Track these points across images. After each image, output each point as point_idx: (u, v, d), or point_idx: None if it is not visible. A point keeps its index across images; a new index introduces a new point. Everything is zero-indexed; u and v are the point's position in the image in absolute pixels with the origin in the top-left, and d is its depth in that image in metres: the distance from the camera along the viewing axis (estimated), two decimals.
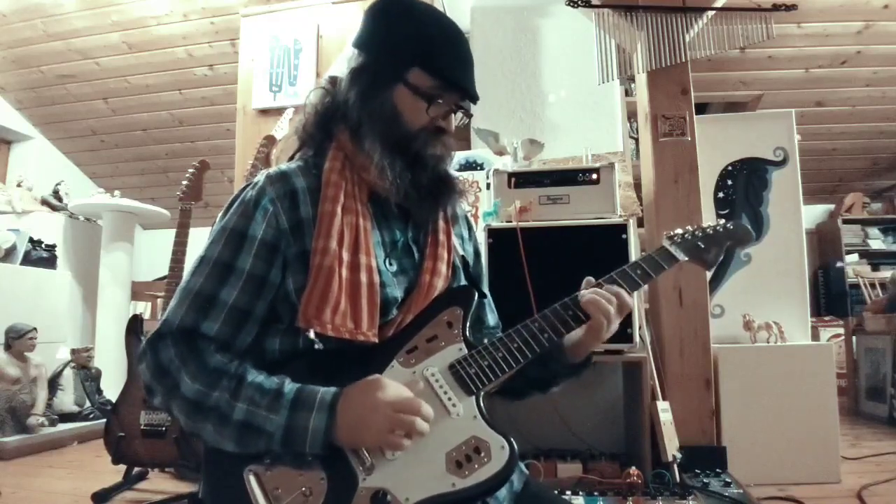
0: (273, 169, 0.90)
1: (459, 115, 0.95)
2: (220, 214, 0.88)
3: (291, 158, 0.96)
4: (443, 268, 0.93)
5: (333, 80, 0.94)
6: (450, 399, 0.81)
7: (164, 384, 0.78)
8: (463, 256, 1.02)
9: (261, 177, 0.89)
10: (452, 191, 0.94)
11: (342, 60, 0.96)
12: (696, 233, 1.02)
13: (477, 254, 1.11)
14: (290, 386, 0.77)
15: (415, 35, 0.89)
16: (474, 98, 0.93)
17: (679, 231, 1.02)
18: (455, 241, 1.00)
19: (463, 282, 0.99)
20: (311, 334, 0.81)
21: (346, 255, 0.83)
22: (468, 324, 0.88)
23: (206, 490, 0.81)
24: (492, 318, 1.09)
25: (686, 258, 0.99)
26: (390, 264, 0.90)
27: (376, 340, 0.83)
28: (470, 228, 1.12)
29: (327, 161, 0.89)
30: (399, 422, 0.74)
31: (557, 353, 0.95)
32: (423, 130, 0.89)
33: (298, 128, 0.96)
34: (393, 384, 0.77)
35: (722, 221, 1.04)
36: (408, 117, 0.88)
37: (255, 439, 0.74)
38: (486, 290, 1.07)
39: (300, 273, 0.83)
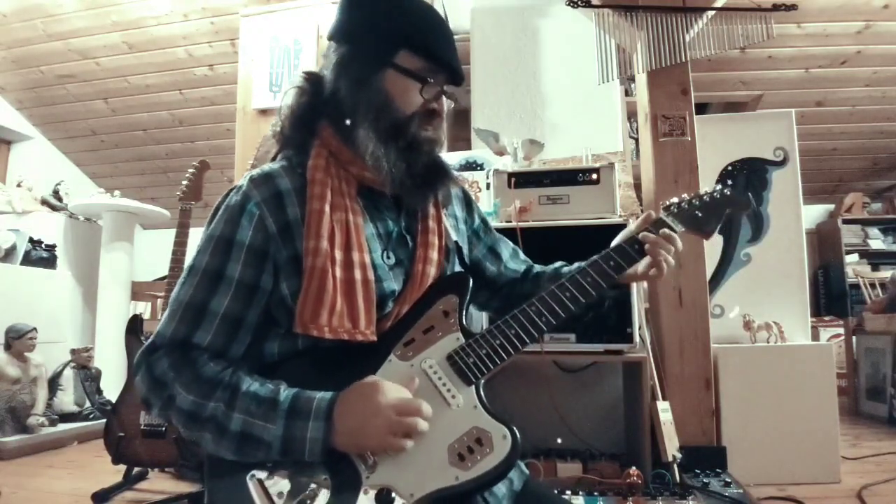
0: (256, 171, 0.87)
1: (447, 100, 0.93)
2: (206, 221, 0.87)
3: (274, 159, 0.93)
4: (434, 254, 0.91)
5: (309, 77, 0.92)
6: (449, 390, 0.81)
7: (159, 397, 0.78)
8: (456, 242, 1.00)
9: (244, 180, 0.86)
10: (445, 175, 0.92)
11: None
12: (693, 201, 0.98)
13: (485, 223, 1.12)
14: (285, 393, 0.76)
15: (399, 17, 0.88)
16: (461, 78, 0.92)
17: (675, 200, 0.99)
18: (448, 223, 0.99)
19: (458, 267, 0.98)
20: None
21: (338, 254, 0.81)
22: (465, 312, 0.87)
23: (209, 490, 0.80)
24: (506, 251, 1.13)
25: (683, 229, 0.95)
26: (388, 257, 0.89)
27: (375, 339, 0.82)
28: (468, 204, 1.10)
29: (311, 159, 0.87)
30: (400, 424, 0.74)
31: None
32: (416, 115, 0.88)
33: (276, 131, 0.93)
34: (391, 385, 0.77)
35: (718, 187, 0.99)
36: (400, 102, 0.87)
37: (254, 449, 0.74)
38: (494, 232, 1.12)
39: (294, 276, 0.82)
